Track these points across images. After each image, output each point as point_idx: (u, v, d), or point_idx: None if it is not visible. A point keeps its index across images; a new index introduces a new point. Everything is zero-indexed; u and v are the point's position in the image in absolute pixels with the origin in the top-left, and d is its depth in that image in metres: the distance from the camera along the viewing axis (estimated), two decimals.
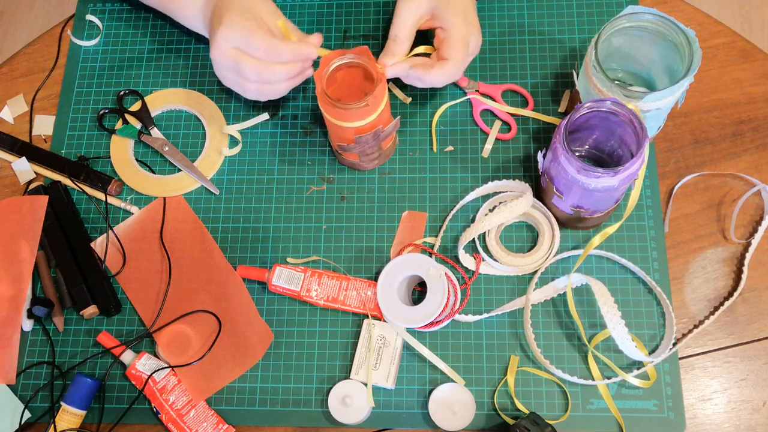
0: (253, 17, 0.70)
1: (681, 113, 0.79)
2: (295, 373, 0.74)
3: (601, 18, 0.83)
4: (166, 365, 0.73)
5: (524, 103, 0.81)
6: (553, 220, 0.74)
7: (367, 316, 0.73)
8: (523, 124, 0.80)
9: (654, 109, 0.66)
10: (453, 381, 0.71)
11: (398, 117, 0.75)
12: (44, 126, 0.85)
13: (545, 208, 0.74)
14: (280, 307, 0.76)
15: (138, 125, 0.83)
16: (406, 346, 0.73)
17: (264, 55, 0.69)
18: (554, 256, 0.74)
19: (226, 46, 0.69)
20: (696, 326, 0.72)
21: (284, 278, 0.74)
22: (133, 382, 0.73)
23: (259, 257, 0.78)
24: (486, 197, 0.78)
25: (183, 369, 0.73)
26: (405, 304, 0.71)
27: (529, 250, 0.75)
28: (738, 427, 0.69)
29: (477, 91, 0.81)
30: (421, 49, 0.75)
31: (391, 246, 0.77)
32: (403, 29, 0.72)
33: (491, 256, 0.75)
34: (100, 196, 0.80)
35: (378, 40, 0.85)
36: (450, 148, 0.80)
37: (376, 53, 0.77)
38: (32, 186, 0.82)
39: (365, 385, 0.71)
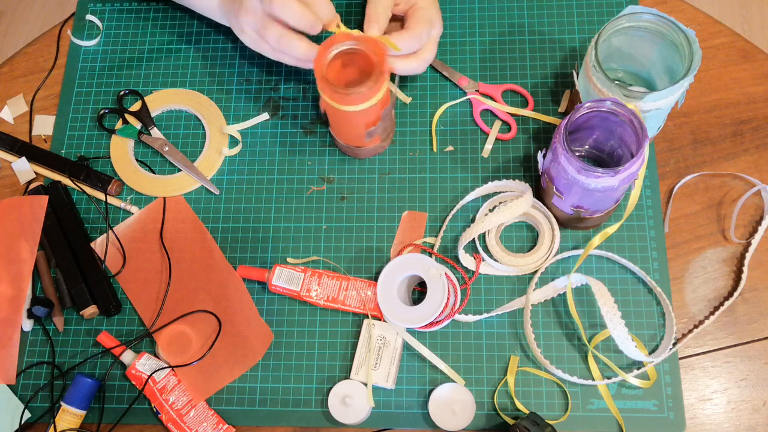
0: None
1: (681, 113, 0.79)
2: (295, 373, 0.74)
3: (601, 18, 0.83)
4: (166, 365, 0.73)
5: (524, 103, 0.81)
6: (553, 220, 0.74)
7: (367, 316, 0.73)
8: (523, 124, 0.80)
9: (654, 109, 0.66)
10: (453, 381, 0.71)
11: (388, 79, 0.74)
12: (44, 126, 0.85)
13: (545, 208, 0.74)
14: (280, 307, 0.76)
15: (138, 125, 0.83)
16: (406, 346, 0.73)
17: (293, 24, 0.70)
18: (554, 256, 0.74)
19: (258, 5, 0.71)
20: (696, 326, 0.72)
21: (284, 278, 0.74)
22: (133, 382, 0.73)
23: (259, 257, 0.78)
24: (486, 197, 0.78)
25: (183, 369, 0.73)
26: (405, 304, 0.71)
27: (529, 250, 0.75)
28: (738, 427, 0.69)
29: (477, 91, 0.81)
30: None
31: (391, 246, 0.77)
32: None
33: (491, 256, 0.75)
34: (100, 196, 0.80)
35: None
36: (450, 148, 0.80)
37: None
38: (32, 186, 0.82)
39: (365, 385, 0.71)
